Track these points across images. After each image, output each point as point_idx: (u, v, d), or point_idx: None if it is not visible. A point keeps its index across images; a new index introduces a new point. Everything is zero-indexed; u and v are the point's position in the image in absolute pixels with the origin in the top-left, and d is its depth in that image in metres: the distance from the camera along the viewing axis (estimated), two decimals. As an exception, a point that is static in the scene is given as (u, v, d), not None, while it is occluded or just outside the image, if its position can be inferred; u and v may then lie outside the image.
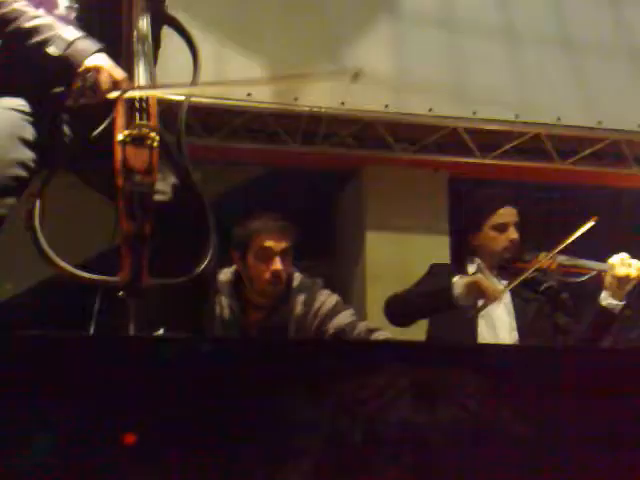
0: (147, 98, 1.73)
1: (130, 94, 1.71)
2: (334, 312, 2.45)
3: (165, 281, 1.71)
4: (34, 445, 1.21)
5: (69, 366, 1.29)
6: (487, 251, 2.72)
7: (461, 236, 2.85)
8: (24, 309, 3.64)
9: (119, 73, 1.71)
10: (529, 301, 2.64)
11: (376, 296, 3.69)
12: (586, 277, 2.58)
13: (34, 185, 1.72)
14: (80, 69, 1.66)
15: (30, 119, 1.74)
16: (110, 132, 1.72)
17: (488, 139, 3.75)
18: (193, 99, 2.02)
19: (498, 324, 2.63)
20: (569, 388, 1.36)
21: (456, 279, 2.49)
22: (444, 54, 3.68)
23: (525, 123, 3.67)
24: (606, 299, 2.53)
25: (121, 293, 1.63)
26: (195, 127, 3.37)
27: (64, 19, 1.78)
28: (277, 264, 2.41)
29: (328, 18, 3.61)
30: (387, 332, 2.51)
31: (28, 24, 1.69)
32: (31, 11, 1.72)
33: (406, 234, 3.86)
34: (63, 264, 1.65)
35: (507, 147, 3.76)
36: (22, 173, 1.69)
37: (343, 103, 3.51)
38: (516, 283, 2.53)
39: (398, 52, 3.65)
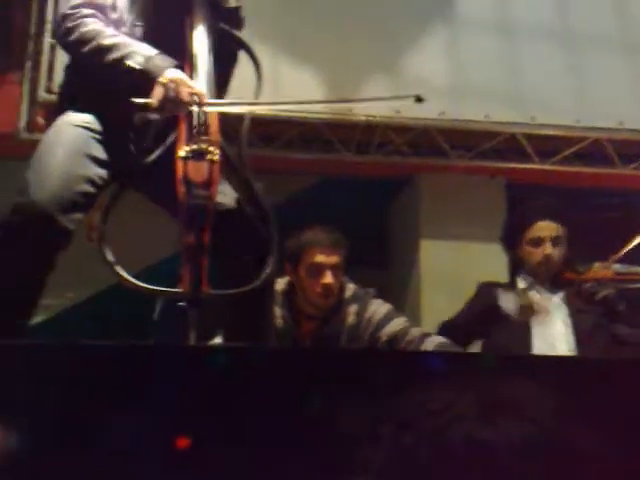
0: (207, 113, 1.75)
1: (208, 108, 1.75)
2: (386, 319, 2.44)
3: (225, 292, 1.72)
4: (93, 449, 1.24)
5: (130, 373, 1.32)
6: (529, 266, 2.69)
7: (508, 250, 2.82)
8: (84, 317, 3.74)
9: (198, 86, 1.76)
10: (585, 312, 2.59)
11: (432, 305, 3.67)
12: None
13: (101, 200, 1.76)
14: (160, 81, 1.70)
15: (96, 136, 1.79)
16: (172, 147, 1.75)
17: (547, 144, 3.70)
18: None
19: (554, 336, 2.59)
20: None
21: (504, 297, 2.48)
22: (501, 59, 3.64)
23: (585, 128, 3.61)
24: None
25: (182, 303, 1.65)
26: (250, 137, 3.40)
27: (132, 37, 1.83)
28: (328, 278, 2.42)
29: (383, 27, 3.61)
30: (442, 338, 2.49)
31: (107, 41, 1.75)
32: (108, 30, 1.78)
33: (462, 242, 3.82)
34: (127, 276, 1.68)
35: (567, 152, 3.69)
36: (89, 189, 1.74)
37: (398, 111, 3.50)
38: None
39: (454, 58, 3.63)
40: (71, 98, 1.86)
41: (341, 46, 3.54)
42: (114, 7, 1.85)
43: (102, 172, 1.77)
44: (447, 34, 3.66)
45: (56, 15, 3.25)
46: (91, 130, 1.79)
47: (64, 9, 1.82)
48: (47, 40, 3.37)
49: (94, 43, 1.75)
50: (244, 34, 2.03)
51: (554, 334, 2.58)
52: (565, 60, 3.68)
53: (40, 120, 3.37)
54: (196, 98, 1.73)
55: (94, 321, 3.59)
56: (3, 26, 3.54)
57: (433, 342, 2.38)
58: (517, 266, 2.77)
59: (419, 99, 1.65)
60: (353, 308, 2.47)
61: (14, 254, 1.67)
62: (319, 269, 2.42)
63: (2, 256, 1.69)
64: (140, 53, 1.74)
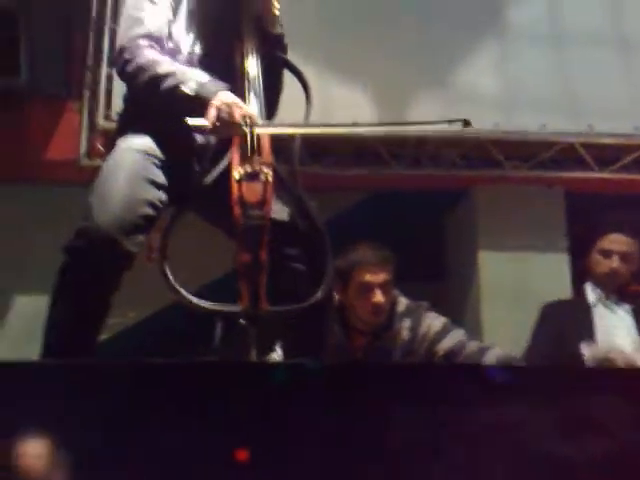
0: (259, 135, 1.79)
1: (260, 130, 1.79)
2: (442, 334, 2.44)
3: (284, 308, 1.75)
4: (156, 463, 1.26)
5: (192, 389, 1.34)
6: (594, 275, 2.65)
7: (576, 258, 2.79)
8: (146, 336, 3.81)
9: (250, 109, 1.81)
10: None
11: (492, 317, 3.62)
12: None
13: (160, 221, 1.81)
14: (214, 104, 1.76)
15: (155, 160, 1.85)
16: (226, 169, 1.79)
17: (605, 153, 3.62)
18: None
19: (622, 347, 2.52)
20: None
21: (588, 352, 2.46)
22: (554, 69, 3.59)
23: (645, 135, 3.53)
24: None
25: (241, 321, 1.67)
26: (300, 154, 3.43)
27: (188, 64, 1.90)
28: (378, 297, 2.43)
29: (433, 41, 3.61)
30: (500, 351, 2.45)
31: (162, 70, 1.82)
32: (163, 59, 1.86)
33: (522, 252, 3.75)
34: (187, 295, 1.72)
35: (626, 160, 3.61)
36: (150, 212, 1.79)
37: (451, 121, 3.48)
38: None
39: (507, 69, 3.60)
40: (130, 125, 1.92)
41: (390, 62, 3.53)
42: (170, 36, 1.92)
43: (161, 195, 1.82)
44: (498, 46, 3.63)
45: (114, 47, 3.41)
46: (150, 154, 1.84)
47: (122, 41, 1.91)
48: (104, 70, 3.47)
49: (150, 72, 1.82)
50: (289, 56, 2.08)
51: (621, 346, 2.53)
52: (620, 67, 3.61)
53: (99, 147, 3.49)
54: (248, 120, 1.78)
55: (155, 338, 3.66)
56: (63, 57, 3.68)
57: (493, 355, 2.35)
58: (583, 275, 2.73)
59: (467, 123, 1.67)
60: (407, 323, 2.47)
61: (80, 277, 1.73)
62: (368, 288, 2.44)
63: (68, 279, 1.75)
64: (194, 79, 1.80)
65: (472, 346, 2.39)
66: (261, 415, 1.30)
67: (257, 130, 1.79)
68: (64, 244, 1.76)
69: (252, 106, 1.85)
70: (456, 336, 2.42)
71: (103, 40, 3.51)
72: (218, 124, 1.76)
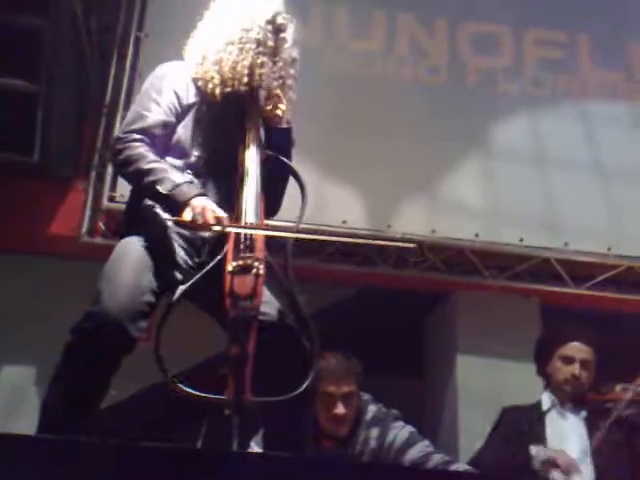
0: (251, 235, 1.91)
1: (231, 229, 1.90)
2: (407, 445, 2.46)
3: (267, 399, 1.80)
4: None
5: (171, 475, 1.42)
6: (554, 381, 2.73)
7: (538, 364, 2.87)
8: (124, 417, 3.81)
9: (220, 212, 1.93)
10: (608, 431, 2.60)
11: (469, 421, 3.66)
12: None
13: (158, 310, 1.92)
14: (186, 207, 1.89)
15: (156, 250, 1.96)
16: (220, 262, 1.90)
17: (581, 269, 3.78)
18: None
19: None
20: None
21: (534, 452, 2.52)
22: (535, 187, 3.79)
23: (618, 256, 3.70)
24: None
25: (227, 412, 1.72)
26: (294, 249, 3.55)
27: (193, 166, 2.03)
28: (338, 409, 2.47)
29: (422, 151, 3.83)
30: (465, 465, 2.51)
31: (147, 166, 1.96)
32: (150, 156, 1.98)
33: (498, 359, 3.85)
34: (178, 383, 1.78)
35: (600, 278, 3.77)
36: (152, 299, 1.91)
37: (434, 231, 3.64)
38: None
39: (489, 184, 3.80)
40: (133, 218, 2.05)
41: (383, 168, 3.73)
42: (176, 138, 2.05)
43: (160, 283, 1.93)
44: (482, 162, 3.85)
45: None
46: (152, 243, 1.96)
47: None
48: (112, 154, 3.66)
49: (135, 165, 1.96)
50: (295, 152, 2.21)
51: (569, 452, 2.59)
52: (597, 190, 3.82)
53: (101, 226, 3.63)
54: (220, 221, 1.88)
55: (134, 421, 3.67)
56: (74, 138, 3.85)
57: (456, 469, 2.38)
58: (544, 381, 2.80)
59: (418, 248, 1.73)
60: (374, 432, 2.49)
61: (85, 357, 1.82)
62: (330, 399, 2.48)
63: (74, 358, 1.84)
64: (170, 180, 1.92)
65: (437, 458, 2.42)
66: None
67: (227, 229, 1.89)
68: (71, 325, 1.85)
69: (245, 201, 1.95)
70: (420, 449, 2.44)
71: (114, 126, 3.71)
72: (193, 223, 1.88)
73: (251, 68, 2.08)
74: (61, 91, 3.53)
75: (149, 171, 1.94)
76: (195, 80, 2.11)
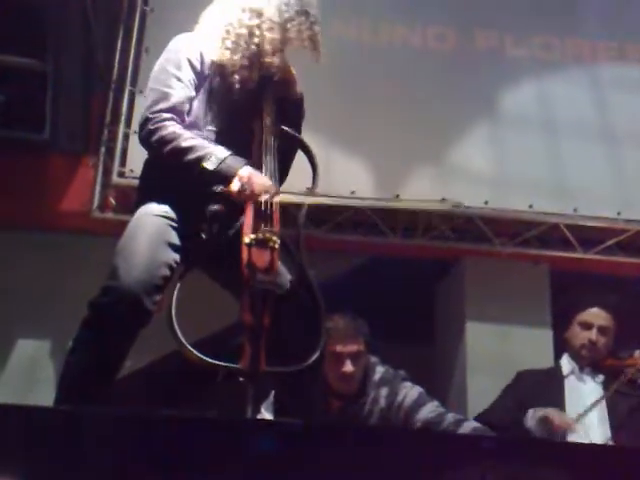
0: (271, 206, 1.95)
1: (277, 198, 1.96)
2: (418, 405, 2.51)
3: (280, 369, 1.87)
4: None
5: (185, 443, 1.45)
6: (572, 347, 2.76)
7: (557, 330, 2.91)
8: (140, 386, 3.87)
9: (267, 181, 1.98)
10: (624, 396, 2.64)
11: (478, 388, 3.70)
12: None
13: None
14: (235, 178, 1.93)
15: (173, 224, 2.00)
16: (237, 234, 1.95)
17: (590, 234, 3.79)
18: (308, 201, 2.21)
19: (589, 419, 2.63)
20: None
21: (530, 413, 2.56)
22: (543, 153, 3.78)
23: (627, 220, 3.70)
24: None
25: (241, 379, 1.78)
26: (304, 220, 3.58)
27: (207, 140, 2.04)
28: (347, 367, 2.53)
29: (431, 120, 3.81)
30: (476, 423, 2.55)
31: (185, 144, 1.97)
32: (186, 133, 2.00)
33: (507, 326, 3.87)
34: (192, 349, 1.84)
35: (609, 243, 3.78)
36: (168, 273, 1.95)
37: (443, 199, 3.64)
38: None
39: (498, 151, 3.79)
40: (150, 190, 2.07)
41: (390, 137, 3.73)
42: (190, 112, 2.07)
43: (176, 256, 1.97)
44: (490, 128, 3.83)
45: (132, 108, 3.58)
46: (168, 218, 2.00)
47: (146, 112, 2.04)
48: (121, 129, 3.66)
49: (173, 144, 1.97)
50: (304, 123, 2.24)
51: (589, 418, 2.63)
52: (605, 154, 3.80)
53: (111, 201, 3.66)
54: (266, 190, 1.95)
55: (148, 389, 3.73)
56: (83, 114, 3.86)
57: (468, 427, 2.44)
58: (562, 348, 2.84)
59: (457, 205, 1.79)
60: (383, 391, 2.54)
61: (103, 331, 1.87)
62: (339, 358, 2.54)
63: (92, 332, 1.89)
64: (215, 155, 1.96)
65: (449, 418, 2.47)
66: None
67: (275, 198, 1.95)
68: (89, 300, 1.90)
69: (268, 173, 2.01)
70: (431, 408, 2.50)
71: (122, 101, 3.72)
72: (240, 194, 1.93)
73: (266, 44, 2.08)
74: (69, 68, 3.54)
75: (189, 149, 1.96)
76: (208, 53, 2.11)
